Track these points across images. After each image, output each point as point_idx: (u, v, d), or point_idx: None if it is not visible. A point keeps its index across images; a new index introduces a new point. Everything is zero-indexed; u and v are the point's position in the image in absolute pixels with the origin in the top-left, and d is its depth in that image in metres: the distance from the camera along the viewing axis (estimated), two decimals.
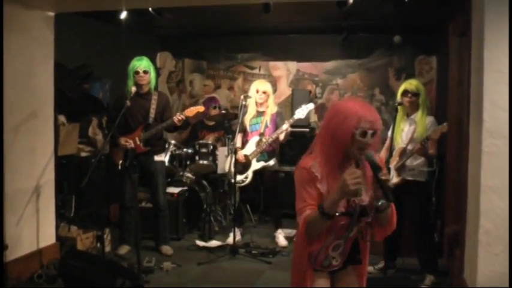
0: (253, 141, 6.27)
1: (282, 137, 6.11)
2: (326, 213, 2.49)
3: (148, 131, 5.71)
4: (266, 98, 6.27)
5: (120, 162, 5.71)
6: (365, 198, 2.64)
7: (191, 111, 5.74)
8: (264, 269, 5.46)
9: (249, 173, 6.26)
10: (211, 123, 7.59)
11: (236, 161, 5.98)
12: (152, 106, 5.76)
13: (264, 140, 6.18)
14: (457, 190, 5.11)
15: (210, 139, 7.26)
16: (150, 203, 6.14)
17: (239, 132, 6.16)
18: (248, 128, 6.33)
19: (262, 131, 6.26)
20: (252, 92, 6.25)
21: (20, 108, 4.87)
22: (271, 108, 6.32)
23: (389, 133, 5.08)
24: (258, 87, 6.26)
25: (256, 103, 6.30)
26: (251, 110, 6.31)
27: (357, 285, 2.87)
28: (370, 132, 2.55)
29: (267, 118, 6.27)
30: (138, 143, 5.72)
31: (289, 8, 6.44)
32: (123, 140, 5.70)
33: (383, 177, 2.49)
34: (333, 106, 2.71)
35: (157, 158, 5.91)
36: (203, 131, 7.57)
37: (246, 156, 6.20)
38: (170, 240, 6.14)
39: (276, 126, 6.22)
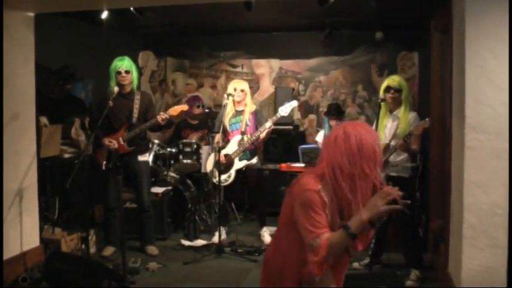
0: (235, 140, 6.27)
1: (263, 134, 6.11)
2: (353, 234, 2.43)
3: (132, 131, 5.68)
4: (244, 97, 6.29)
5: (104, 162, 5.69)
6: None
7: (175, 110, 5.72)
8: (250, 268, 5.46)
9: (232, 172, 6.25)
10: (195, 122, 7.57)
11: (218, 161, 5.97)
12: (135, 106, 5.73)
13: (246, 138, 6.18)
14: (441, 185, 5.15)
15: (193, 138, 7.23)
16: (135, 203, 6.11)
17: (218, 132, 6.15)
18: (228, 127, 6.32)
19: (243, 129, 6.26)
20: (229, 91, 6.26)
21: (1, 111, 4.81)
22: (250, 107, 6.35)
23: None
24: (236, 86, 6.28)
25: (234, 102, 6.30)
26: (229, 110, 6.32)
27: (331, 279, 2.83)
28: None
29: (246, 117, 6.28)
30: (122, 143, 5.69)
31: (271, 5, 6.45)
32: (106, 141, 5.66)
33: (400, 193, 2.48)
34: (358, 140, 2.52)
35: (141, 158, 5.89)
36: (187, 130, 7.54)
37: (227, 155, 6.19)
38: (155, 240, 6.12)
39: (258, 124, 6.24)
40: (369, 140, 2.51)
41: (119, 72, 5.61)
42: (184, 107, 5.87)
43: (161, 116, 5.60)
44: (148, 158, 6.16)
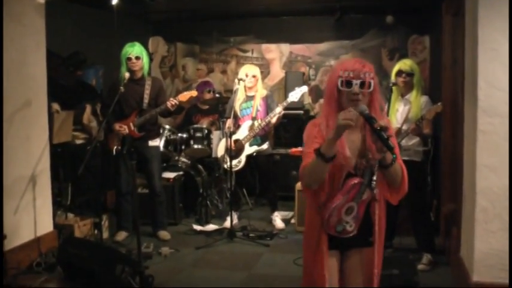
0: (245, 125, 6.26)
1: (274, 120, 6.10)
2: (322, 154, 2.42)
3: (142, 117, 5.71)
4: (255, 83, 6.27)
5: (115, 148, 5.71)
6: (374, 162, 2.58)
7: (184, 96, 5.74)
8: (262, 252, 5.49)
9: (242, 158, 6.25)
10: (206, 107, 7.57)
11: (230, 146, 5.97)
12: (146, 91, 5.75)
13: (256, 124, 6.17)
14: (453, 169, 5.14)
15: (204, 123, 7.24)
16: (146, 188, 6.14)
17: (229, 117, 6.14)
18: (239, 113, 6.30)
19: (254, 115, 6.25)
20: (241, 76, 6.24)
21: (13, 97, 4.83)
22: (261, 92, 6.32)
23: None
24: (247, 71, 6.25)
25: (246, 88, 6.28)
26: (240, 95, 6.29)
27: (359, 269, 2.85)
28: (355, 82, 2.52)
29: (257, 102, 6.27)
30: (132, 128, 5.71)
31: None
32: (117, 126, 5.69)
33: (379, 127, 2.39)
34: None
35: (151, 143, 5.91)
36: (197, 115, 7.55)
37: (237, 141, 6.19)
38: (167, 225, 6.15)
39: (268, 109, 6.23)
40: (337, 63, 2.68)
41: (129, 58, 5.63)
42: (194, 93, 5.88)
43: (171, 102, 5.62)
44: (158, 143, 6.18)
